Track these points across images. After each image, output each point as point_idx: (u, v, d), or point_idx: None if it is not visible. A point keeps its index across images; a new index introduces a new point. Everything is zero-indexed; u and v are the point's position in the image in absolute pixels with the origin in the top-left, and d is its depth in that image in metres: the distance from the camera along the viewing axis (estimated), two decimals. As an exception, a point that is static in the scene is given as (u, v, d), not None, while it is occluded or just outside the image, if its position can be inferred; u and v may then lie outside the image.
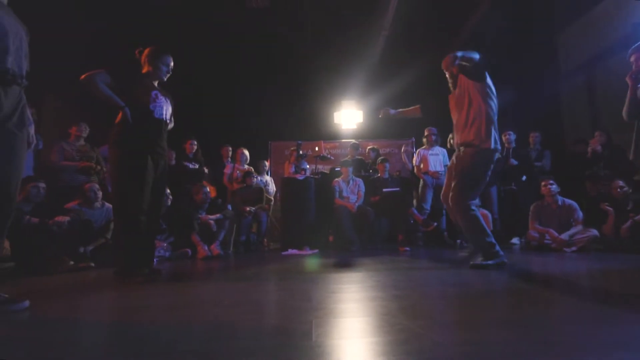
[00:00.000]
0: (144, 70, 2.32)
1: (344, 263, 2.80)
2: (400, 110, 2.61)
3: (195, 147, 4.67)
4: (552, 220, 3.52)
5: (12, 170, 1.42)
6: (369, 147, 5.30)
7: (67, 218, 2.85)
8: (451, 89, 2.43)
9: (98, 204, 3.32)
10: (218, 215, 3.80)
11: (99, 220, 3.26)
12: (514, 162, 4.34)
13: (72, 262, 2.69)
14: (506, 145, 4.49)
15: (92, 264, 2.81)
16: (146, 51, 2.34)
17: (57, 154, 3.70)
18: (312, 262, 2.98)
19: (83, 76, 2.04)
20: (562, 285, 1.75)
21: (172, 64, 2.37)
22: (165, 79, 2.37)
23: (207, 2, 5.34)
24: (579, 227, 3.37)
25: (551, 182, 3.56)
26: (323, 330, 1.02)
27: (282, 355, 0.84)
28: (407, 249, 3.76)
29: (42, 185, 2.99)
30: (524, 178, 4.38)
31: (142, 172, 2.13)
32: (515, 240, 4.19)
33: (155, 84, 2.34)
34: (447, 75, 2.44)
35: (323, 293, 1.58)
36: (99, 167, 3.86)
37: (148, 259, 2.28)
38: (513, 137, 4.51)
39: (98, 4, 4.49)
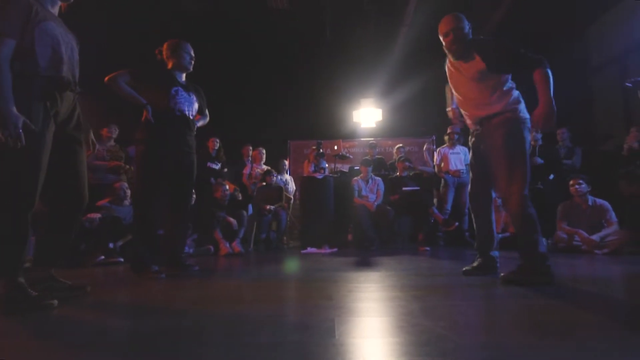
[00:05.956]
0: (169, 65, 2.33)
1: (363, 262, 2.80)
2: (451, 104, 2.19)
3: (218, 145, 4.79)
4: (582, 221, 3.38)
5: (82, 171, 1.54)
6: (398, 146, 5.19)
7: (98, 215, 3.00)
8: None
9: (127, 202, 3.47)
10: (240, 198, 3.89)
11: (127, 218, 3.41)
12: (539, 160, 4.18)
13: (102, 257, 2.83)
14: (532, 142, 4.34)
15: (121, 259, 2.95)
16: (165, 46, 2.35)
17: (89, 154, 3.90)
18: (330, 261, 2.99)
19: (107, 78, 2.11)
20: (592, 288, 1.68)
21: (192, 52, 2.37)
22: (191, 68, 2.37)
23: (228, 2, 5.44)
24: (612, 228, 3.21)
25: (580, 181, 3.40)
26: (345, 329, 1.03)
27: (305, 351, 0.86)
28: (427, 248, 3.71)
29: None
30: (551, 177, 4.21)
31: (158, 170, 2.16)
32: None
33: (183, 77, 2.35)
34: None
35: (343, 292, 1.59)
36: (127, 167, 4.03)
37: (176, 256, 2.35)
38: (539, 135, 4.35)
39: (125, 5, 4.63)
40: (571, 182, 3.48)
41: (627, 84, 2.11)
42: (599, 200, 3.39)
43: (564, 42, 5.48)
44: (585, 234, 3.22)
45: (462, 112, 2.07)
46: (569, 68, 5.40)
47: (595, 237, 3.17)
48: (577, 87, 5.31)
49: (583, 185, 3.40)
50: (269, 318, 1.21)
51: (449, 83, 2.10)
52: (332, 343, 0.91)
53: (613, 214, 3.28)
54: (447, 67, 2.08)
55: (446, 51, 2.00)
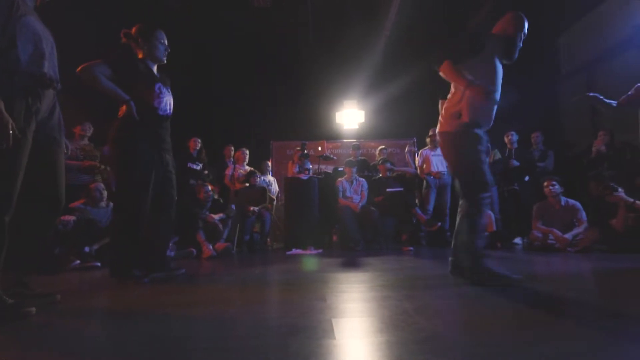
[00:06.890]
0: (140, 55, 2.16)
1: (350, 263, 2.81)
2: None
3: (199, 145, 4.67)
4: (555, 221, 3.54)
5: (59, 172, 1.46)
6: (380, 148, 5.21)
7: (72, 217, 2.85)
8: None
9: (103, 204, 3.32)
10: (221, 215, 3.81)
11: (103, 220, 3.26)
12: (515, 163, 4.35)
13: (78, 261, 2.69)
14: (508, 145, 4.51)
15: (98, 264, 2.81)
16: (134, 30, 2.15)
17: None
18: (318, 261, 2.99)
19: (80, 68, 1.92)
20: (571, 285, 1.77)
21: (166, 41, 2.19)
22: (165, 60, 2.20)
23: (210, 1, 5.34)
24: (582, 227, 3.38)
25: (553, 182, 3.57)
26: (343, 329, 1.03)
27: (308, 353, 0.85)
28: (411, 248, 3.77)
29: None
30: (526, 178, 4.39)
31: (146, 171, 2.03)
32: (517, 240, 4.21)
33: (155, 69, 2.19)
34: None
35: (335, 292, 1.59)
36: (102, 167, 3.85)
37: (162, 260, 2.25)
38: (515, 137, 4.52)
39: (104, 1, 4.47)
40: (545, 184, 3.64)
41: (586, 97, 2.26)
42: (571, 201, 3.57)
43: (535, 50, 5.75)
44: (559, 233, 3.38)
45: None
46: (540, 75, 5.69)
47: (567, 235, 3.34)
48: (547, 93, 5.60)
49: (556, 187, 3.57)
50: (264, 321, 1.19)
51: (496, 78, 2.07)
52: (333, 344, 0.90)
53: (584, 214, 3.47)
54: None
55: (516, 50, 2.11)
